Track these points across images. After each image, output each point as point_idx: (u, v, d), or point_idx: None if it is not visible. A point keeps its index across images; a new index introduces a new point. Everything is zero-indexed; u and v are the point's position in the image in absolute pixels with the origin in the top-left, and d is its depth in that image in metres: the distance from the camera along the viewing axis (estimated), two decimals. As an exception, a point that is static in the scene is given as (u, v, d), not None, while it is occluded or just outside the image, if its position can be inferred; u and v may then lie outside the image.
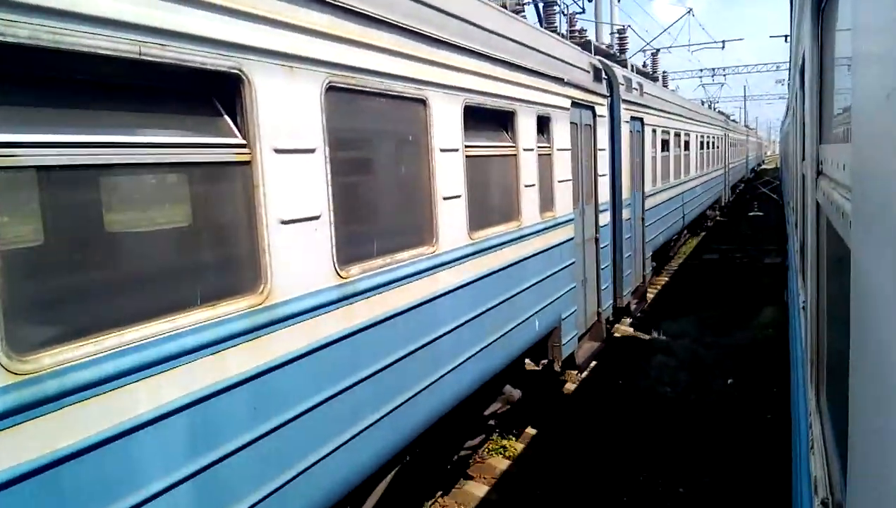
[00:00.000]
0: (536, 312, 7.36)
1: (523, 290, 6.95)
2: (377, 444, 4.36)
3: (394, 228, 4.79)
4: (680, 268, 19.18)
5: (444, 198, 5.26)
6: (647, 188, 13.10)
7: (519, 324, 6.83)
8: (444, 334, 5.27)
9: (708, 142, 24.13)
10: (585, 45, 11.14)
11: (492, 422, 7.65)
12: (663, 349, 11.99)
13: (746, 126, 69.83)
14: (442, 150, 5.23)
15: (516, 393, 7.44)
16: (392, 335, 4.51)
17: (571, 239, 8.58)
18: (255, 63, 3.33)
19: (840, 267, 2.14)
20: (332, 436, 3.82)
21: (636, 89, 11.97)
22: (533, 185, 7.24)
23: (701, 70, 49.50)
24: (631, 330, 13.13)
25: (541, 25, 10.89)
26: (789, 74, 9.55)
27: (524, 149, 6.99)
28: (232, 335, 3.13)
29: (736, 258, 20.63)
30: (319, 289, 3.75)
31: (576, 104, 8.92)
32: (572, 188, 8.72)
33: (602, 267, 10.18)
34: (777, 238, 22.91)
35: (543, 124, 7.79)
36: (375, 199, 4.64)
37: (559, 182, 8.13)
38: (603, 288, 10.22)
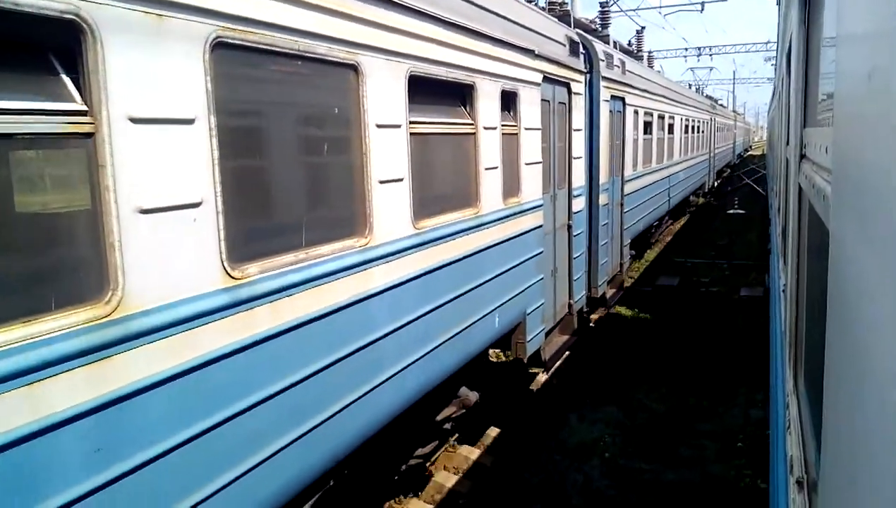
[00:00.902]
0: (497, 307, 6.69)
1: (482, 284, 6.27)
2: (286, 472, 3.68)
3: (312, 218, 4.06)
4: (624, 299, 13.24)
5: (382, 182, 4.54)
6: (628, 172, 12.43)
7: (475, 322, 6.16)
8: (380, 338, 4.58)
9: (693, 126, 23.48)
10: (564, 17, 10.38)
11: (448, 426, 7.01)
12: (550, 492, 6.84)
13: (735, 111, 69.23)
14: (379, 126, 4.49)
15: (473, 396, 6.79)
16: (306, 344, 3.81)
17: (540, 226, 7.90)
18: (102, 7, 2.58)
19: (820, 250, 2.13)
20: (214, 474, 3.13)
21: (618, 67, 11.25)
22: (495, 168, 6.53)
23: (686, 49, 48.32)
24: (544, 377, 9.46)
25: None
26: (776, 58, 9.19)
27: (485, 128, 6.27)
28: (60, 359, 2.41)
29: (702, 285, 14.88)
30: (200, 294, 3.03)
31: (548, 79, 8.19)
32: (542, 171, 8.02)
33: (575, 255, 9.53)
34: (759, 250, 17.47)
35: (509, 100, 7.07)
36: (285, 183, 3.91)
37: (527, 164, 7.42)
38: (575, 278, 9.57)
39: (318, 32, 3.86)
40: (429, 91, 5.44)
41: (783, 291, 4.22)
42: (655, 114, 15.03)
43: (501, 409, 8.37)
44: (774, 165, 11.51)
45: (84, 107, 2.55)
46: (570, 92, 9.11)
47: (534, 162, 7.65)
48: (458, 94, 5.98)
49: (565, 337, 9.34)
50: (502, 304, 6.82)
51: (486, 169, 6.33)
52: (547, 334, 8.79)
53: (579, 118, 9.53)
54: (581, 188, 9.72)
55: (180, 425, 2.94)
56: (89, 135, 2.55)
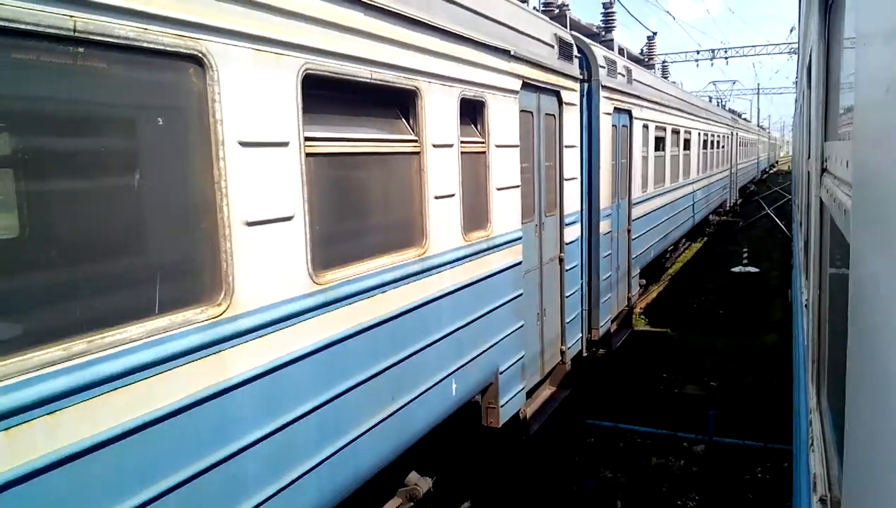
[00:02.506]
0: (453, 372, 5.28)
1: (426, 346, 4.87)
2: None
3: (126, 284, 2.73)
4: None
5: (250, 224, 3.19)
6: (636, 194, 10.97)
7: (417, 397, 4.76)
8: (244, 448, 3.20)
9: (712, 141, 21.91)
10: (559, 18, 9.01)
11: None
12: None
13: (759, 125, 66.98)
14: (244, 144, 3.15)
15: (424, 484, 5.37)
16: (108, 470, 2.47)
17: (518, 264, 6.49)
18: None
19: (842, 264, 2.06)
20: None
21: (622, 75, 9.84)
22: (450, 196, 5.16)
23: (698, 51, 45.75)
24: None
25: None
26: (797, 72, 8.95)
27: (435, 145, 4.91)
28: None
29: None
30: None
31: (531, 86, 6.83)
32: (523, 196, 6.64)
33: (568, 294, 8.09)
34: (781, 366, 9.62)
35: (474, 110, 5.71)
36: (80, 230, 2.58)
37: (499, 189, 6.04)
38: (568, 320, 8.12)
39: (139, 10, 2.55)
40: (344, 98, 4.10)
41: (805, 306, 4.16)
42: (669, 129, 13.57)
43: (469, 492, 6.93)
44: (797, 179, 10.37)
45: None
46: (560, 102, 7.73)
47: (508, 186, 6.26)
48: (393, 103, 4.63)
49: (552, 391, 7.88)
50: (462, 366, 5.42)
51: (437, 197, 4.96)
52: (532, 391, 7.37)
53: (573, 133, 8.13)
54: (575, 214, 8.30)
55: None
56: None
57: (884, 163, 0.90)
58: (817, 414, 2.79)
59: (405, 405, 4.62)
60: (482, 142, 5.80)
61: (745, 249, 18.54)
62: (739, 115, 42.58)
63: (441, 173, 5.01)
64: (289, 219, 3.44)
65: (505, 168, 6.17)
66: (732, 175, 30.26)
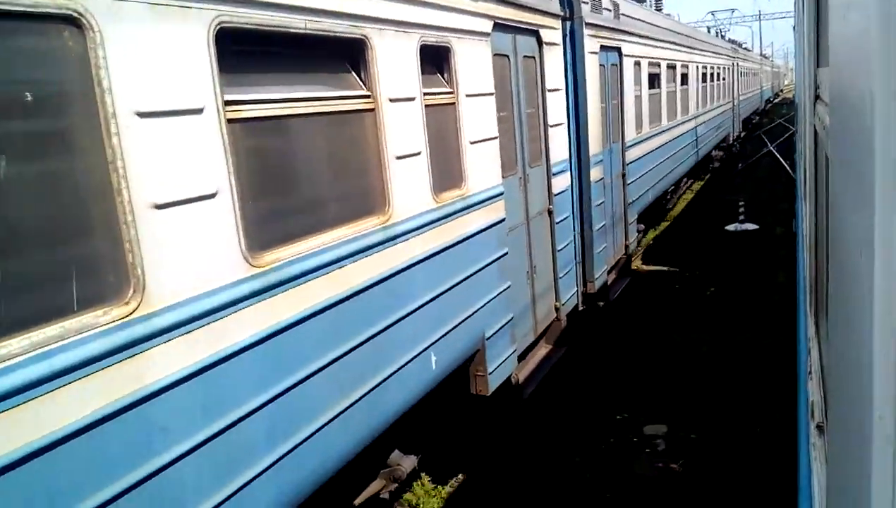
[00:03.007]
0: (432, 344, 4.92)
1: (399, 320, 4.50)
2: None
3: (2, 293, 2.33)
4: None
5: (160, 207, 2.77)
6: (630, 136, 10.42)
7: (392, 375, 4.41)
8: (176, 459, 2.85)
9: (712, 74, 21.08)
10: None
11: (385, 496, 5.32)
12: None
13: (762, 54, 64.96)
14: (144, 115, 2.71)
15: (408, 463, 5.08)
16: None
17: (501, 221, 6.07)
18: None
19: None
20: None
21: (608, 10, 9.19)
22: (415, 154, 4.71)
23: None
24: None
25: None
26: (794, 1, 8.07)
27: (392, 100, 4.43)
28: None
29: None
30: None
31: (504, 27, 6.28)
32: (502, 148, 6.17)
33: (560, 247, 7.67)
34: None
35: (438, 58, 5.21)
36: None
37: (473, 143, 5.57)
38: (561, 275, 7.73)
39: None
40: (276, 53, 3.63)
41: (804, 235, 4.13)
42: (664, 65, 12.89)
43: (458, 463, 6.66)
44: (798, 108, 9.75)
45: None
46: (540, 42, 7.17)
47: (485, 138, 5.79)
48: (339, 55, 4.14)
49: (548, 349, 7.55)
50: (442, 337, 5.05)
51: (400, 157, 4.52)
52: (525, 353, 7.03)
53: (556, 75, 7.58)
54: (563, 163, 7.82)
55: None
56: None
57: (855, 85, 0.89)
58: (815, 342, 2.81)
59: (378, 385, 4.27)
60: (450, 93, 5.31)
61: (742, 202, 15.47)
62: (740, 45, 41.23)
63: (402, 130, 4.55)
64: (211, 196, 3.02)
65: (479, 119, 5.69)
66: (735, 107, 29.37)
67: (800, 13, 4.86)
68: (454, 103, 5.35)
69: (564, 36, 7.99)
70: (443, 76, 5.30)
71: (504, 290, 6.16)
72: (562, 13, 7.78)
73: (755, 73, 45.88)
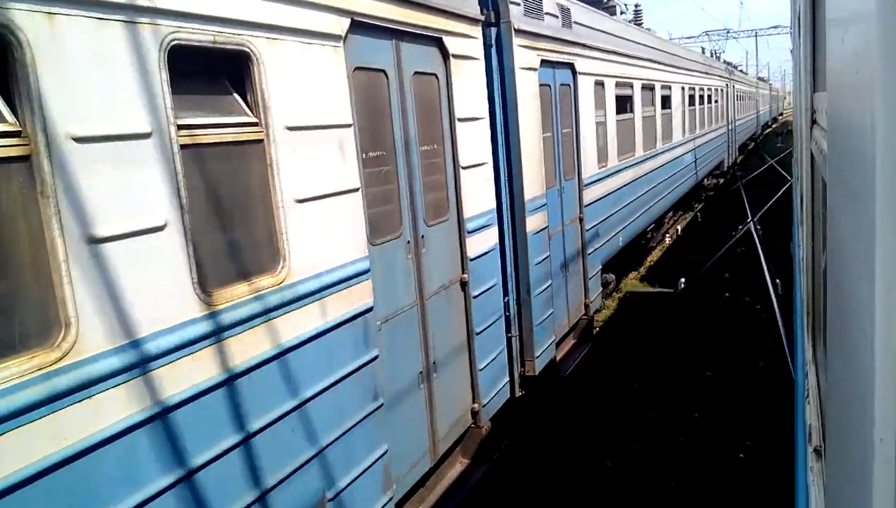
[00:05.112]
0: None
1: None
2: None
3: None
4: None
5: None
6: (589, 172, 8.49)
7: None
8: None
9: (703, 96, 19.25)
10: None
11: None
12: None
13: (759, 78, 63.01)
14: None
15: None
16: None
17: (365, 311, 4.11)
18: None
19: None
20: None
21: (552, 15, 7.31)
22: (148, 231, 2.76)
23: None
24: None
25: None
26: (790, 23, 7.05)
27: (76, 139, 2.50)
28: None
29: None
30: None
31: (374, 29, 4.39)
32: (371, 203, 4.25)
33: (479, 329, 5.70)
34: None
35: (239, 71, 3.30)
36: None
37: (300, 201, 3.64)
38: (483, 366, 5.75)
39: None
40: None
41: (801, 259, 4.12)
42: (638, 85, 11.01)
43: None
44: (795, 132, 8.26)
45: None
46: (444, 55, 5.28)
47: (330, 192, 3.85)
48: None
49: (463, 469, 5.54)
50: (271, 489, 3.06)
51: (97, 240, 2.57)
52: (425, 479, 5.03)
53: (472, 100, 5.67)
54: (486, 215, 5.87)
55: None
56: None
57: (854, 109, 0.90)
58: (813, 366, 2.82)
59: None
60: (253, 125, 3.38)
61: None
62: (736, 67, 39.52)
63: (107, 190, 2.61)
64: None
65: (316, 164, 3.76)
66: (730, 132, 27.55)
67: (796, 37, 4.83)
68: (262, 141, 3.42)
69: (489, 47, 6.11)
70: (242, 98, 3.38)
71: (371, 413, 4.18)
72: (482, 17, 5.88)
73: (751, 96, 44.15)
